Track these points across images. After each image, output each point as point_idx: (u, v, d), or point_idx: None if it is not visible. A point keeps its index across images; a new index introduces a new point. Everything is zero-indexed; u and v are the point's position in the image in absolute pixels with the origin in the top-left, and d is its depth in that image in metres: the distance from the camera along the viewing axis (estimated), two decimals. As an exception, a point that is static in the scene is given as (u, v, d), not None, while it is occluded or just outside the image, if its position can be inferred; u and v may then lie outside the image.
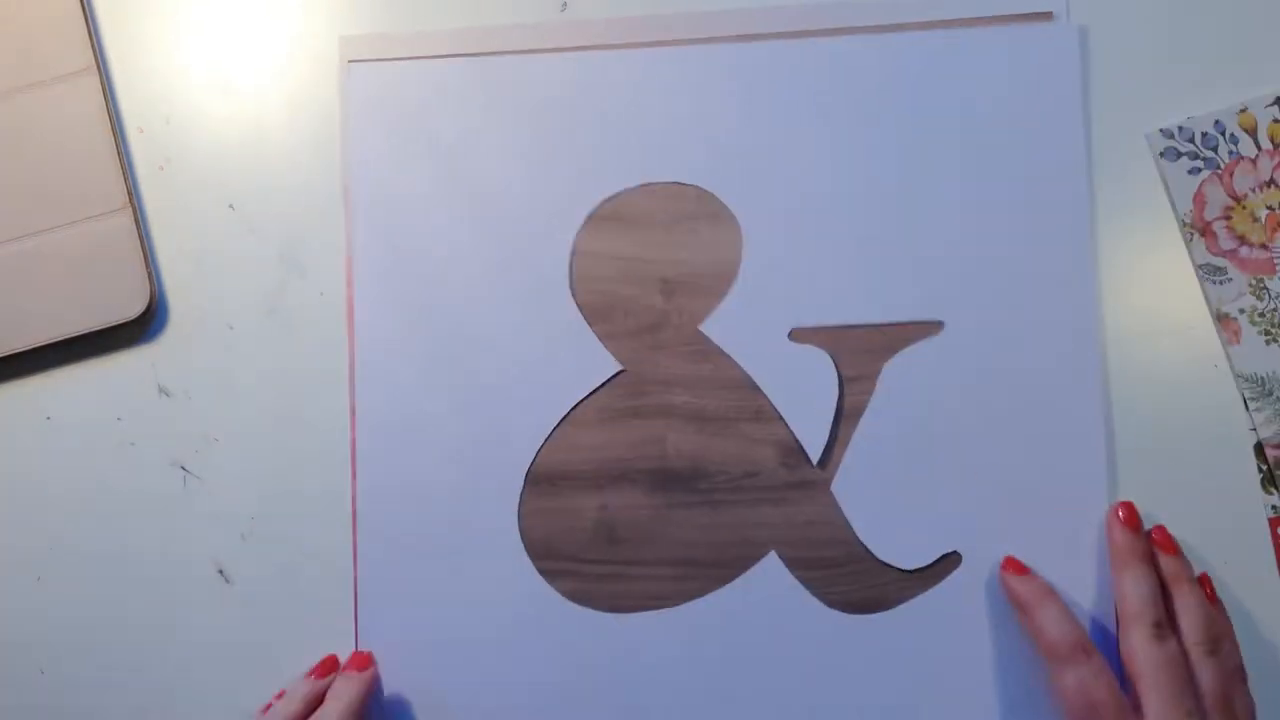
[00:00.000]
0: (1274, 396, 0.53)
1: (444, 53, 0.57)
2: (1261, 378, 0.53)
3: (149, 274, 0.56)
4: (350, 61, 0.57)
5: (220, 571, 0.56)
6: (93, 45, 0.57)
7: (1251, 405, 0.53)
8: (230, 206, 0.58)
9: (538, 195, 0.56)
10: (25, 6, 0.58)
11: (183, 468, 0.56)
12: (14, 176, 0.57)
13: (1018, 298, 0.53)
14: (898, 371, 0.54)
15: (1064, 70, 0.54)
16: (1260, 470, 0.53)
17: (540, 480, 0.55)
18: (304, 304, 0.57)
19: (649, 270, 0.55)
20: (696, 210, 0.55)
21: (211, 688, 0.56)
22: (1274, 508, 0.53)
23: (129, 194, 0.57)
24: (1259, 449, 0.53)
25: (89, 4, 0.58)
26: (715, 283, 0.55)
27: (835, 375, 0.54)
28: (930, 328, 0.54)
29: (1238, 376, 0.53)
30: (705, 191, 0.55)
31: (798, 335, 0.54)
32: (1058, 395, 0.53)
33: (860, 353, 0.54)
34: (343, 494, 0.55)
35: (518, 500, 0.55)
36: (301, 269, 0.57)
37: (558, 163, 0.56)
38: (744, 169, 0.55)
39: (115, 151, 0.57)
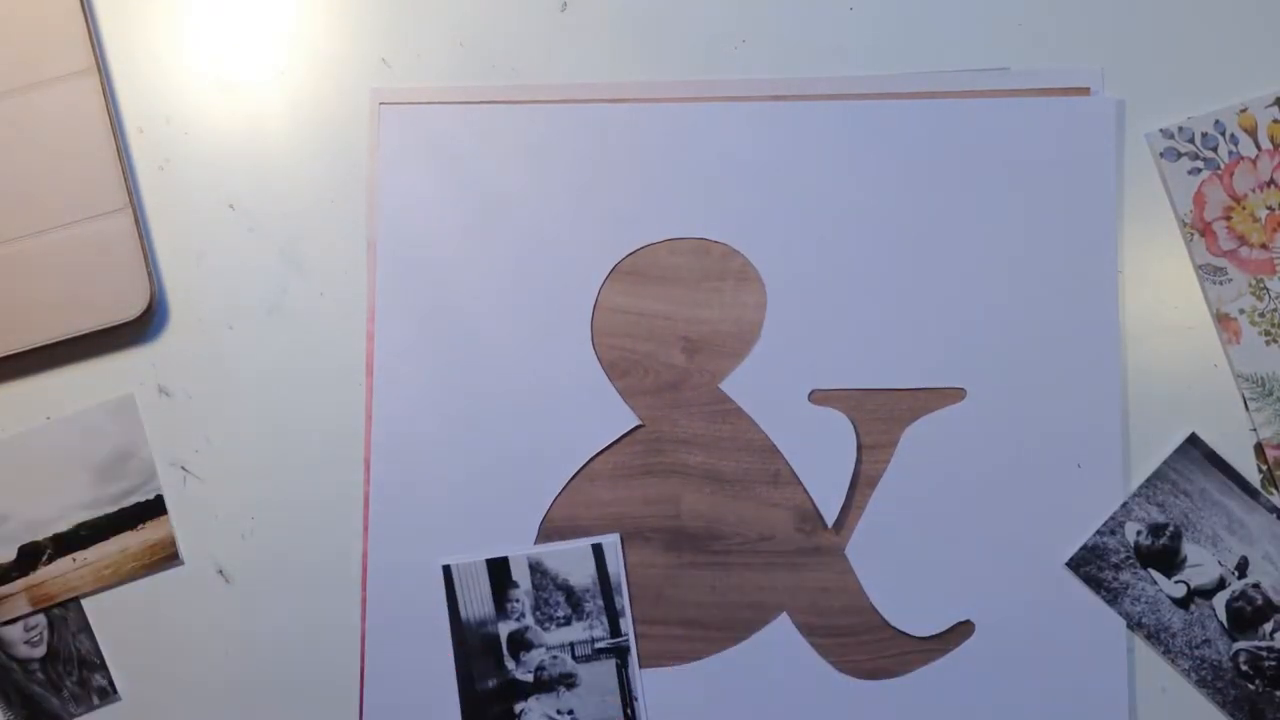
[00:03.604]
0: (1274, 396, 0.53)
1: (474, 99, 0.57)
2: (1261, 378, 0.53)
3: (149, 274, 0.56)
4: (381, 104, 0.57)
5: (220, 571, 0.56)
6: (93, 45, 0.57)
7: (1251, 405, 0.53)
8: (230, 206, 0.58)
9: (563, 245, 0.56)
10: (25, 6, 0.58)
11: (183, 468, 0.56)
12: (14, 176, 0.57)
13: (1041, 368, 0.53)
14: (917, 437, 0.53)
15: (1099, 144, 0.54)
16: (1260, 470, 0.53)
17: (553, 533, 0.55)
18: (304, 304, 0.57)
19: (671, 328, 0.55)
20: (722, 268, 0.55)
21: (211, 687, 0.56)
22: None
23: (129, 194, 0.57)
24: (1259, 449, 0.53)
25: (89, 4, 0.58)
26: (738, 342, 0.55)
27: (854, 438, 0.54)
28: (952, 395, 0.54)
29: (1238, 376, 0.53)
30: (731, 249, 0.55)
31: (818, 397, 0.54)
32: (1077, 469, 0.53)
33: (880, 418, 0.54)
34: (342, 494, 0.56)
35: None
36: (301, 269, 0.57)
37: (584, 214, 0.56)
38: (771, 228, 0.55)
39: (115, 151, 0.57)
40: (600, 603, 0.54)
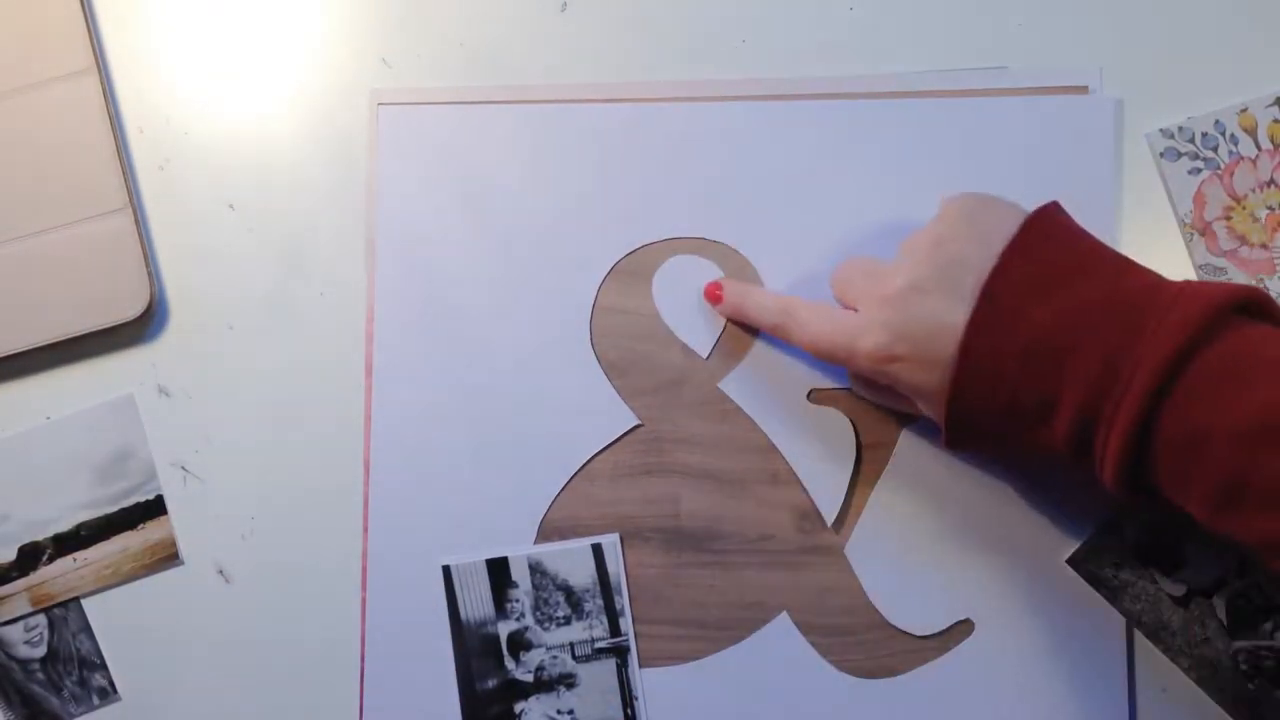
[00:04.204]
0: (1274, 396, 0.53)
1: (474, 99, 0.57)
2: (1261, 378, 0.53)
3: (149, 274, 0.56)
4: (381, 105, 0.57)
5: (220, 571, 0.56)
6: (93, 45, 0.57)
7: (1251, 405, 0.53)
8: (230, 206, 0.58)
9: (562, 245, 0.56)
10: (25, 6, 0.58)
11: (183, 468, 0.56)
12: (14, 176, 0.57)
13: None
14: (916, 436, 0.53)
15: (1098, 143, 0.54)
16: (1260, 470, 0.53)
17: (552, 534, 0.54)
18: (304, 304, 0.57)
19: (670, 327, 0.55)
20: (721, 267, 0.55)
21: (211, 687, 0.56)
22: (1274, 508, 0.53)
23: (129, 194, 0.57)
24: (1259, 449, 0.53)
25: (89, 4, 0.58)
26: (737, 342, 0.55)
27: (854, 438, 0.54)
28: None
29: (1238, 376, 0.53)
30: (730, 249, 0.55)
31: (818, 397, 0.54)
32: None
33: (880, 418, 0.53)
34: (342, 494, 0.56)
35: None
36: (302, 269, 0.57)
37: (584, 213, 0.56)
38: (771, 228, 0.55)
39: (115, 151, 0.57)
40: (600, 603, 0.54)
